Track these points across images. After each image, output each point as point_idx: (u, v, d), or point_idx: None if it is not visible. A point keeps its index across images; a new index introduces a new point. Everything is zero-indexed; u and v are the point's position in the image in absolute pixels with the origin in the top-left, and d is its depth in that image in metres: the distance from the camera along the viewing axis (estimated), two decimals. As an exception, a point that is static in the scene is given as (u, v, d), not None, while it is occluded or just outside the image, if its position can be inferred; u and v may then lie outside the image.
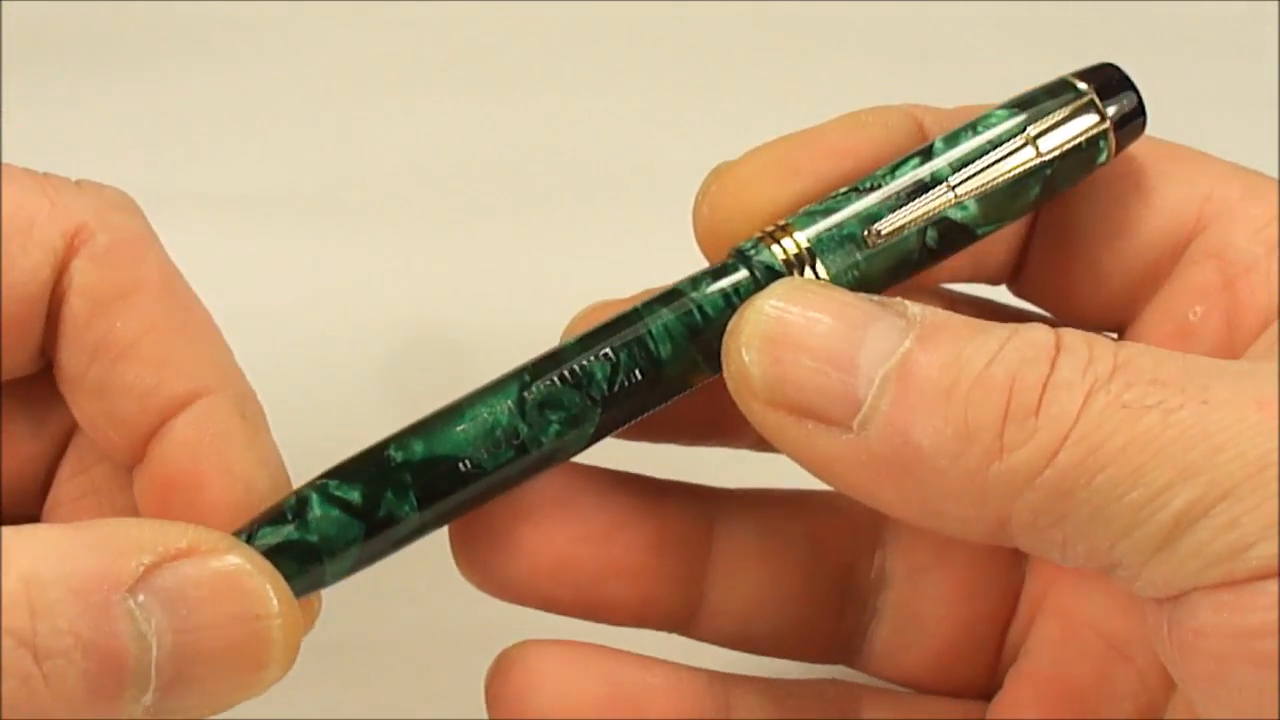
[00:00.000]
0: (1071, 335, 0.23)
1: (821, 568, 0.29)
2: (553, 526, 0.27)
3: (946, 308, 0.28)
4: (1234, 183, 0.27)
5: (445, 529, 0.26)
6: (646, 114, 0.49)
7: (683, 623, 0.29)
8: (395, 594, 0.36)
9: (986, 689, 0.29)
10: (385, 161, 0.47)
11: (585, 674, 0.27)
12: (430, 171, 0.47)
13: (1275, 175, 0.27)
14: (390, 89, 0.49)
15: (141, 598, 0.21)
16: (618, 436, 0.27)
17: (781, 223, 0.26)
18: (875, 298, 0.24)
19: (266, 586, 0.22)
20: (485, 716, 0.27)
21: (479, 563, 0.27)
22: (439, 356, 0.43)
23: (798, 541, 0.29)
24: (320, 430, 0.40)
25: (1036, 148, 0.26)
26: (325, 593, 0.31)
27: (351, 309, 0.44)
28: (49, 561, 0.21)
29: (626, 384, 0.25)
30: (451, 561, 0.28)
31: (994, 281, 0.29)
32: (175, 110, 0.48)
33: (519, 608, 0.28)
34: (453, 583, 0.28)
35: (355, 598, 0.35)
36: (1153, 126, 0.27)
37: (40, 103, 0.47)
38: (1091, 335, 0.23)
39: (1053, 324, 0.29)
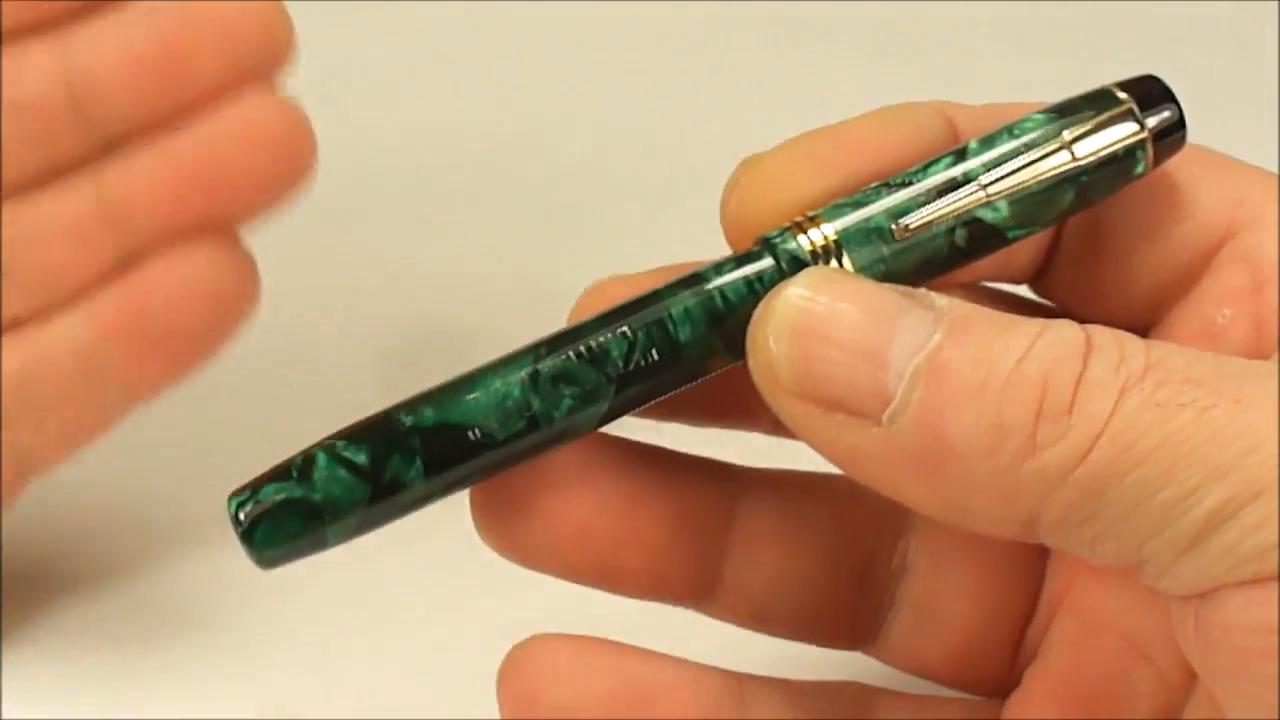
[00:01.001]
0: (1101, 333, 0.23)
1: (843, 553, 0.29)
2: (573, 495, 0.27)
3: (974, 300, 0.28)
4: (1265, 187, 0.27)
5: (465, 502, 0.26)
6: (649, 113, 0.49)
7: (698, 598, 0.28)
8: (406, 589, 0.36)
9: (1003, 685, 0.29)
10: (384, 160, 0.47)
11: (597, 669, 0.27)
12: (429, 170, 0.47)
13: (1276, 175, 0.27)
14: (390, 87, 0.49)
15: None
16: (633, 415, 0.27)
17: (810, 214, 0.25)
18: (901, 288, 0.24)
19: None
20: (497, 715, 0.27)
21: (498, 527, 0.27)
22: (439, 356, 0.43)
23: (820, 526, 0.29)
24: (319, 430, 0.41)
25: (1072, 152, 0.25)
26: (332, 589, 0.31)
27: (351, 309, 0.44)
28: None
29: (643, 363, 0.25)
30: (464, 557, 0.27)
31: (1019, 281, 0.29)
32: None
33: (531, 605, 0.28)
34: (465, 578, 0.27)
35: (366, 593, 0.35)
36: (1151, 126, 0.27)
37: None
38: (1121, 333, 0.23)
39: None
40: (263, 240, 0.44)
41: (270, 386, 0.41)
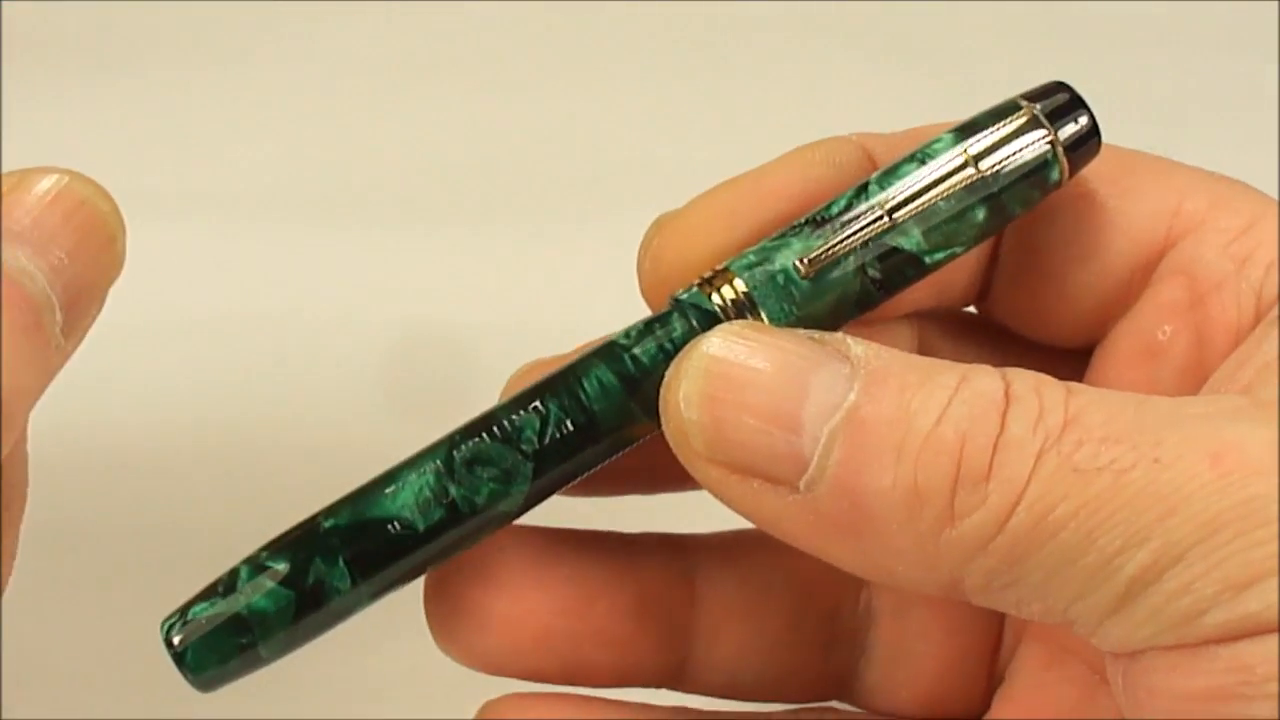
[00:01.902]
0: (1020, 383, 0.22)
1: (807, 612, 0.29)
2: (529, 600, 0.26)
3: (914, 331, 0.28)
4: (1203, 193, 0.26)
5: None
6: (648, 115, 0.49)
7: (668, 680, 0.28)
8: (376, 640, 0.36)
9: (980, 715, 0.29)
10: (385, 161, 0.47)
11: None
12: (430, 171, 0.47)
13: (1275, 175, 0.27)
14: (390, 89, 0.49)
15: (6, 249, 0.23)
16: (577, 494, 0.26)
17: (719, 267, 0.25)
18: (815, 335, 0.23)
19: (68, 178, 0.23)
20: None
21: (457, 640, 0.27)
22: (439, 356, 0.43)
23: (781, 589, 0.28)
24: (320, 431, 0.41)
25: (976, 166, 0.25)
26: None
27: (351, 309, 0.44)
28: None
29: (558, 436, 0.24)
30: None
31: (960, 305, 0.28)
32: (175, 110, 0.48)
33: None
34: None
35: (336, 646, 0.35)
36: (1150, 126, 0.27)
37: (40, 103, 0.47)
38: (1041, 380, 0.22)
39: (1022, 343, 0.29)
40: (264, 244, 0.45)
41: (272, 388, 0.42)
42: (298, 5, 0.49)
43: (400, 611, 0.26)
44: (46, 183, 0.23)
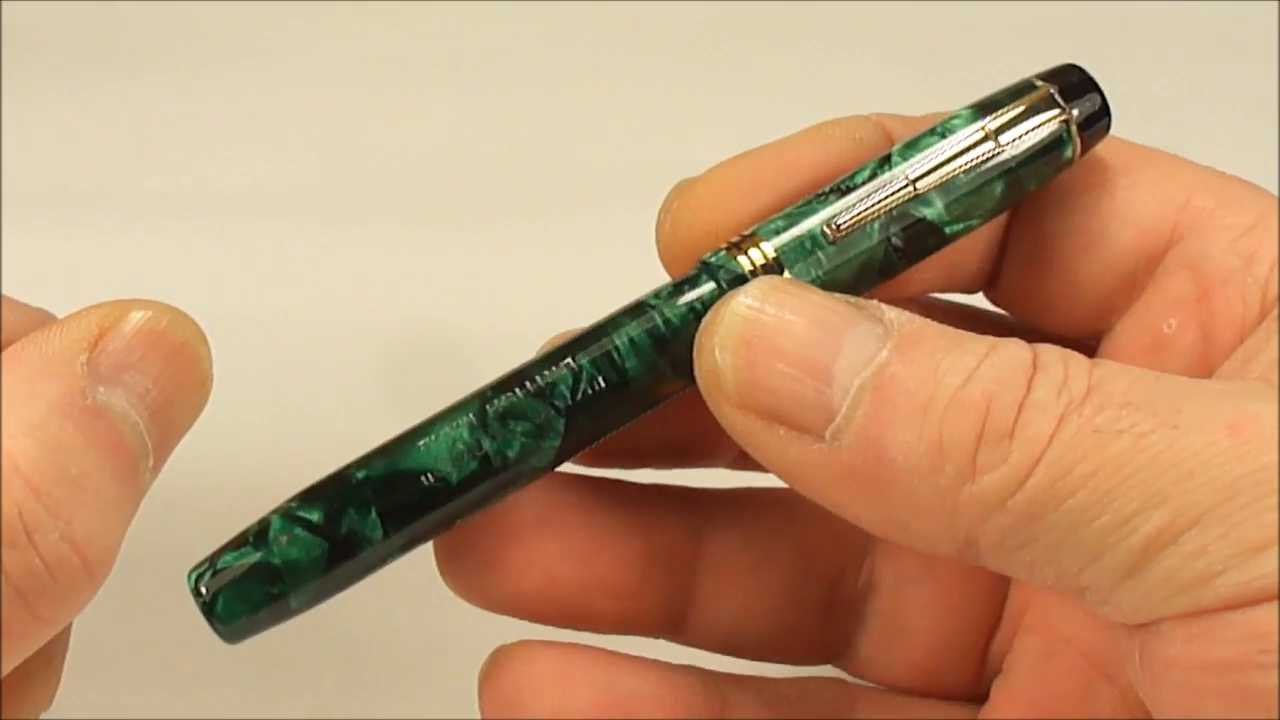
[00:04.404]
0: (1048, 353, 0.22)
1: (810, 576, 0.29)
2: (538, 543, 0.27)
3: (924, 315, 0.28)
4: (1211, 190, 0.26)
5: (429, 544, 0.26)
6: (648, 115, 0.49)
7: (670, 630, 0.29)
8: (387, 590, 0.36)
9: (970, 693, 0.29)
10: (385, 161, 0.47)
11: (579, 677, 0.27)
12: (430, 171, 0.47)
13: (1275, 175, 0.27)
14: (389, 89, 0.49)
15: (102, 389, 0.22)
16: (592, 464, 0.27)
17: (747, 232, 0.25)
18: (851, 299, 0.23)
19: (167, 316, 0.23)
20: (477, 717, 0.27)
21: (463, 577, 0.27)
22: (439, 357, 0.43)
23: (786, 551, 0.29)
24: (320, 431, 0.41)
25: (996, 141, 0.26)
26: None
27: (351, 309, 0.44)
28: (14, 422, 0.22)
29: (590, 392, 0.25)
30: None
31: (970, 290, 0.29)
32: (175, 110, 0.48)
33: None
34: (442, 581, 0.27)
35: (345, 596, 0.35)
36: (1151, 126, 0.27)
37: (40, 103, 0.47)
38: (1068, 353, 0.23)
39: (1029, 333, 0.29)
40: (264, 244, 0.45)
41: (272, 388, 0.42)
42: (298, 5, 0.49)
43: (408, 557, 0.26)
44: (140, 317, 0.23)
